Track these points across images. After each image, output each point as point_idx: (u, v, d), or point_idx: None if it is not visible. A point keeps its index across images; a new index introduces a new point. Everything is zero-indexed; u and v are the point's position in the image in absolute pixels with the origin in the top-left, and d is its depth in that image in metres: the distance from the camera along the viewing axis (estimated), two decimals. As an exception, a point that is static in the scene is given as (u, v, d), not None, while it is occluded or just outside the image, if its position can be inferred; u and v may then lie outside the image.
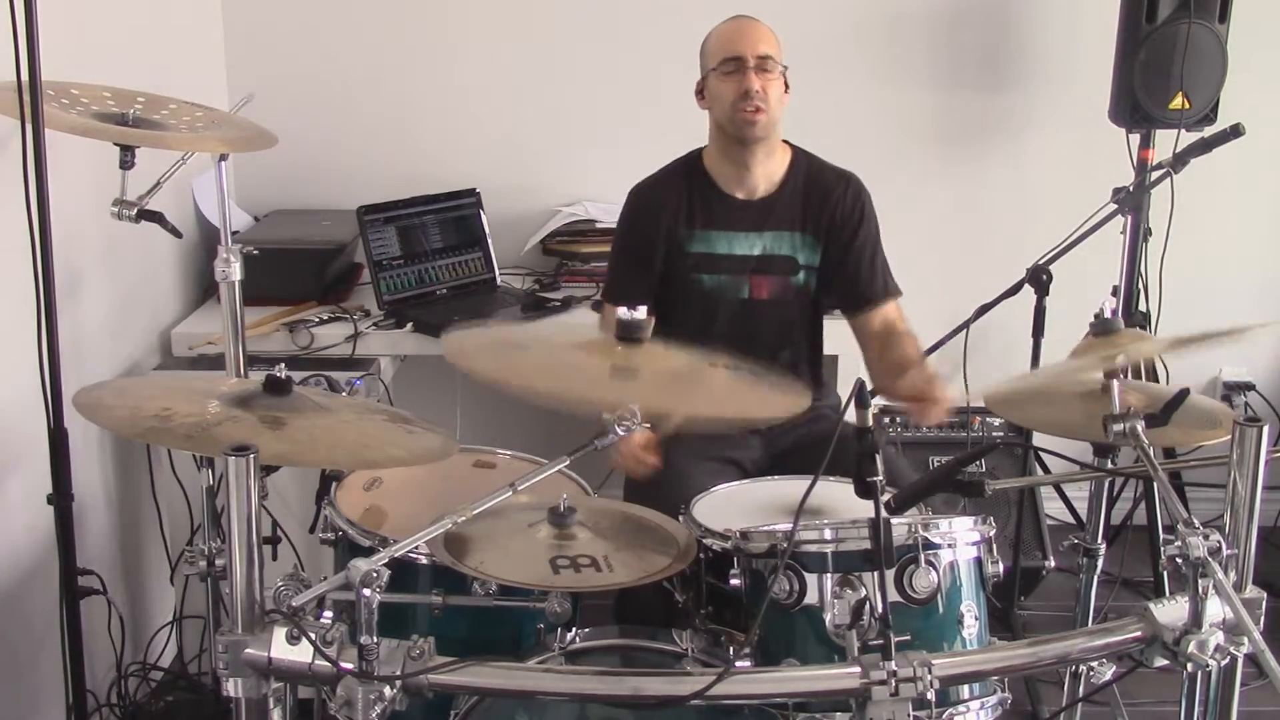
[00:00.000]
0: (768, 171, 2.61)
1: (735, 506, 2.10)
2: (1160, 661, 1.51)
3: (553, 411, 1.64)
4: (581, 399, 1.65)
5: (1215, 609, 1.47)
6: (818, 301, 2.68)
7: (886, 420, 3.23)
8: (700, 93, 2.60)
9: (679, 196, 2.62)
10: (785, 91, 2.55)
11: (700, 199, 2.62)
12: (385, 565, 1.43)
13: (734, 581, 1.82)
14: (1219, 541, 1.45)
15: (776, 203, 2.62)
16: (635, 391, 1.70)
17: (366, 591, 1.41)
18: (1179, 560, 1.46)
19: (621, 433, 1.69)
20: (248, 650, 1.41)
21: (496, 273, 3.35)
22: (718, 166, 2.62)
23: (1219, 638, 1.47)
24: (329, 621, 1.44)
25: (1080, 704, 2.45)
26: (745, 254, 2.61)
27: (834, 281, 2.64)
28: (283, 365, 1.76)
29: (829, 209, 2.60)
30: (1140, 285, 3.22)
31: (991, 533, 1.82)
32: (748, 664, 1.71)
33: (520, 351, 1.95)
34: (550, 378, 1.77)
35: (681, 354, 1.80)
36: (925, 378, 2.40)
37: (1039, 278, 2.70)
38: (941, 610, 1.73)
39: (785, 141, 2.65)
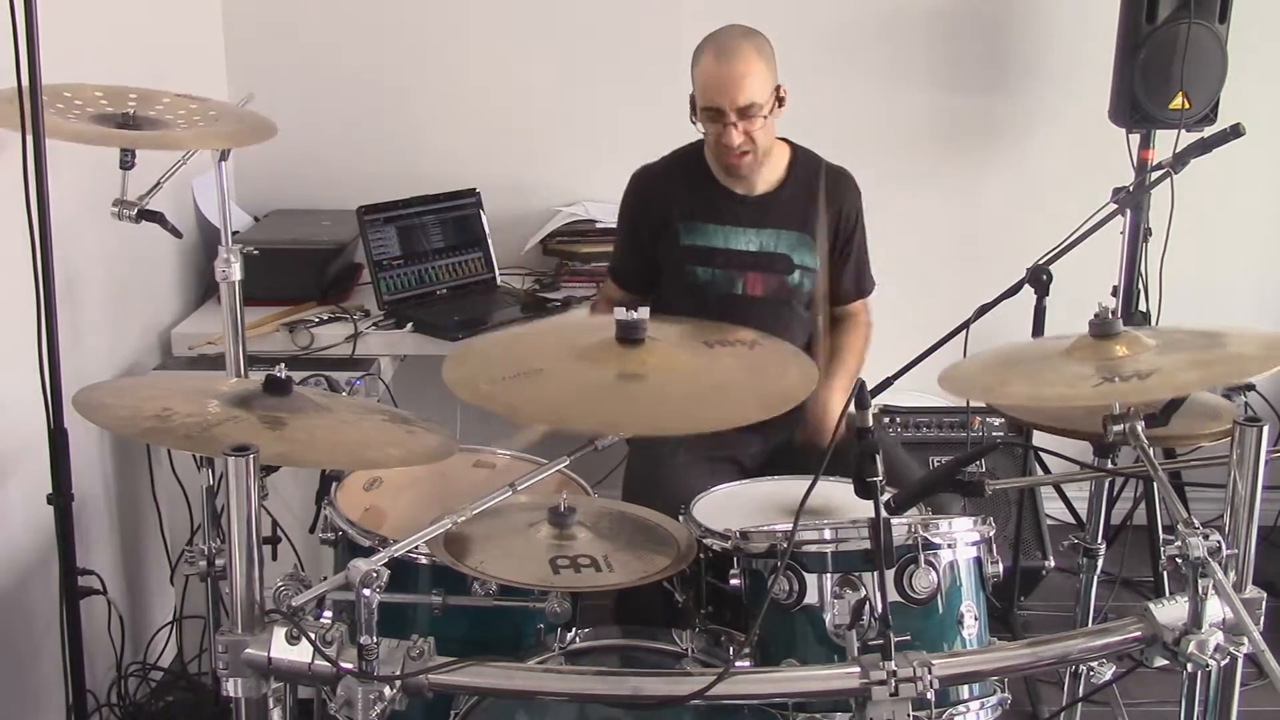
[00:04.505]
0: (766, 173, 2.62)
1: (735, 506, 2.10)
2: (1160, 661, 1.51)
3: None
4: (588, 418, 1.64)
5: (1215, 609, 1.47)
6: (812, 302, 2.68)
7: (886, 420, 3.23)
8: (692, 108, 2.55)
9: (678, 187, 2.63)
10: (780, 106, 2.52)
11: (700, 191, 2.62)
12: (385, 565, 1.44)
13: (734, 581, 1.82)
14: (1219, 541, 1.45)
15: (776, 201, 2.62)
16: (643, 400, 1.67)
17: (366, 591, 1.41)
18: (1179, 560, 1.46)
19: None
20: (248, 650, 1.41)
21: (496, 273, 3.35)
22: (717, 164, 2.62)
23: (1219, 638, 1.47)
24: (329, 621, 1.44)
25: (1080, 704, 2.45)
26: (741, 250, 2.61)
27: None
28: (283, 365, 1.76)
29: (831, 211, 2.61)
30: (1140, 285, 3.22)
31: (991, 533, 1.82)
32: (748, 664, 1.71)
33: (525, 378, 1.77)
34: (556, 397, 1.69)
35: (682, 342, 1.79)
36: (821, 403, 2.51)
37: (1039, 278, 2.70)
38: (941, 610, 1.74)
39: (783, 139, 2.64)
